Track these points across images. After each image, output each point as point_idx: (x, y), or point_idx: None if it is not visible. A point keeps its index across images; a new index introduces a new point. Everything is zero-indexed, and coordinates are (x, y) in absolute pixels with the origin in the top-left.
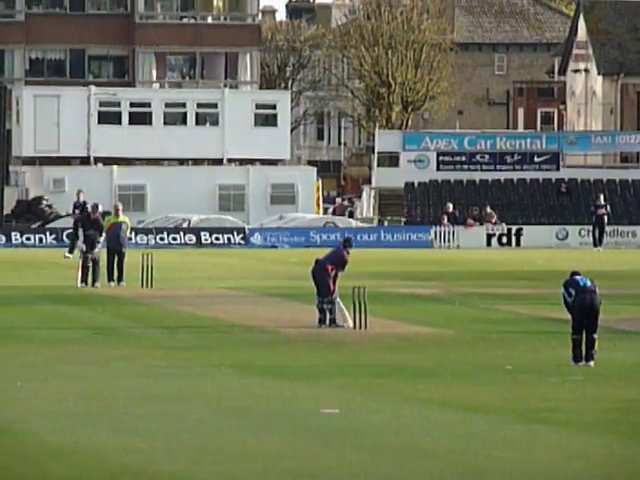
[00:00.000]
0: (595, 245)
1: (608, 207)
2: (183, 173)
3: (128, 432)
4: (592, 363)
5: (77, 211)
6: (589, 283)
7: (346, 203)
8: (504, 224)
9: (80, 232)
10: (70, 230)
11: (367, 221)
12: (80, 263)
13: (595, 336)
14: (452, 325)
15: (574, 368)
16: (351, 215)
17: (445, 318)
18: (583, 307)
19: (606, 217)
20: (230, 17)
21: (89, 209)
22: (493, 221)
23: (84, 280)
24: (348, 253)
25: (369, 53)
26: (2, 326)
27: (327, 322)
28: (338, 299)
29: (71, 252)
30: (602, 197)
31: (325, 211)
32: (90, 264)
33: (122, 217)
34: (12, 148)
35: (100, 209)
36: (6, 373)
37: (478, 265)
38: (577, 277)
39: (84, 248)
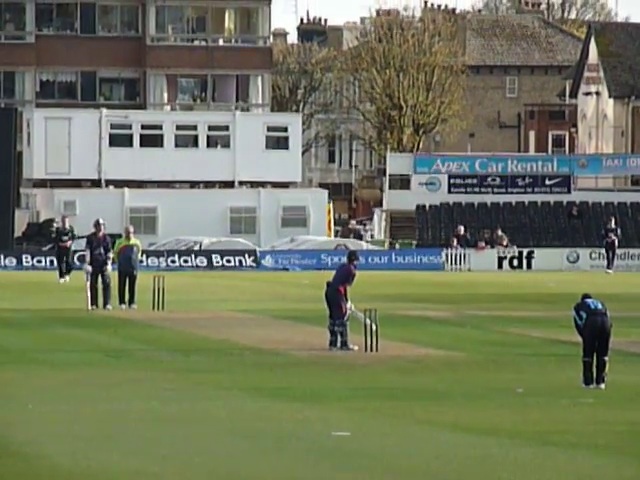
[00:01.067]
0: (609, 267)
1: (619, 231)
2: (194, 196)
3: (140, 455)
4: (603, 385)
5: (65, 238)
6: (600, 306)
7: (352, 225)
8: (515, 247)
9: (87, 253)
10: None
11: (378, 243)
12: (88, 285)
13: (606, 359)
14: (463, 348)
15: (585, 391)
16: (359, 237)
17: (456, 340)
18: (594, 329)
19: (617, 241)
20: (241, 39)
21: (94, 229)
22: (504, 244)
23: (94, 302)
24: (355, 267)
25: (380, 76)
26: (13, 349)
27: (339, 344)
28: (354, 308)
29: (62, 277)
30: (613, 221)
31: (336, 234)
32: (99, 285)
33: (133, 240)
34: (23, 170)
35: (102, 222)
36: (18, 396)
37: (489, 288)
38: (588, 300)
39: (89, 269)
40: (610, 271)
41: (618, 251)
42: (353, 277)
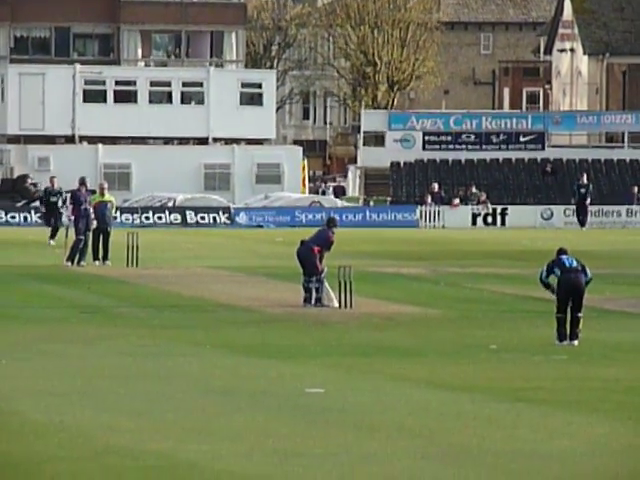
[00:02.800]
0: (581, 225)
1: (591, 187)
2: (168, 152)
3: (114, 411)
4: (576, 342)
5: (54, 199)
6: (575, 263)
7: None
8: (489, 204)
9: (68, 209)
10: (43, 213)
11: (352, 200)
12: (73, 243)
13: (580, 315)
14: (437, 304)
15: (558, 347)
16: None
17: (430, 297)
18: (568, 286)
19: (589, 197)
20: None
21: (79, 186)
22: (483, 199)
23: (71, 259)
24: (333, 233)
25: (355, 32)
26: None
27: (313, 301)
28: (324, 280)
29: (52, 238)
30: (585, 177)
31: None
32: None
33: (107, 196)
34: None
35: (87, 182)
36: None
37: (463, 245)
38: (563, 257)
39: (69, 224)
40: (583, 229)
41: (592, 208)
42: (331, 244)
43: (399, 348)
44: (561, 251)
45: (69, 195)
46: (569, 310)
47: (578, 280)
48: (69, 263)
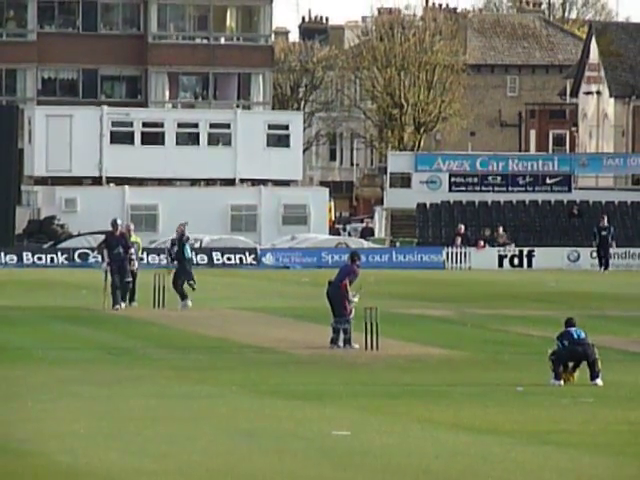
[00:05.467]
0: (600, 267)
1: (612, 229)
2: (195, 193)
3: (139, 453)
4: (599, 380)
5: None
6: (583, 335)
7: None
8: (513, 245)
9: (105, 253)
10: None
11: (379, 242)
12: (108, 286)
13: (597, 357)
14: (463, 346)
15: (584, 389)
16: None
17: (457, 339)
18: (574, 356)
19: (610, 239)
20: (243, 38)
21: (112, 228)
22: (501, 241)
23: (117, 302)
24: (358, 267)
25: (382, 74)
26: (14, 346)
27: (340, 342)
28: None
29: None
30: (606, 219)
31: (337, 232)
32: (119, 284)
33: (134, 237)
34: (24, 168)
35: (120, 222)
36: (18, 393)
37: (490, 286)
38: (571, 329)
39: (107, 269)
40: (606, 271)
41: (619, 250)
42: (356, 276)
43: (425, 390)
44: (569, 322)
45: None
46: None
47: (586, 351)
48: (118, 307)
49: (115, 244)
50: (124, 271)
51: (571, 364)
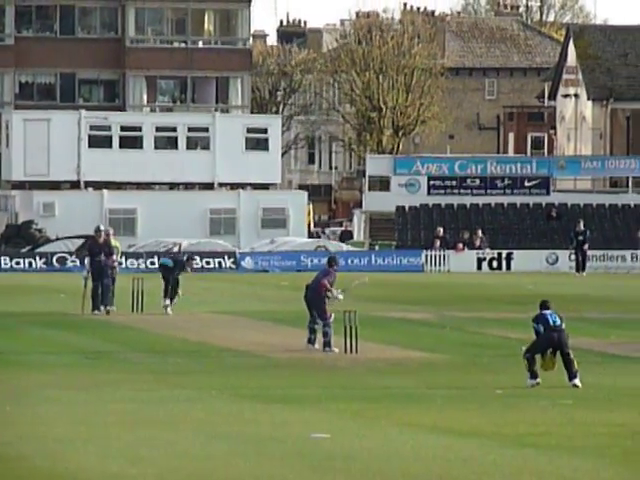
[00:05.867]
0: (577, 270)
1: (588, 233)
2: (174, 197)
3: (118, 457)
4: (577, 381)
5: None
6: (558, 321)
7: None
8: (488, 248)
9: (87, 260)
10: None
11: (358, 245)
12: (89, 292)
13: (572, 357)
14: (443, 349)
15: (563, 391)
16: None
17: (436, 342)
18: (550, 343)
19: (587, 242)
20: (221, 41)
21: (95, 234)
22: (477, 244)
23: (97, 307)
24: (336, 270)
25: (360, 77)
26: None
27: (317, 345)
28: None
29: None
30: (582, 223)
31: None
32: (101, 289)
33: (114, 241)
34: (1, 172)
35: (102, 229)
36: None
37: (468, 289)
38: (546, 312)
39: (88, 276)
40: (583, 274)
41: (597, 252)
42: (333, 278)
43: (405, 393)
44: (544, 304)
45: (86, 245)
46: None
47: (561, 339)
48: (97, 311)
49: (97, 251)
50: (106, 276)
51: (550, 350)
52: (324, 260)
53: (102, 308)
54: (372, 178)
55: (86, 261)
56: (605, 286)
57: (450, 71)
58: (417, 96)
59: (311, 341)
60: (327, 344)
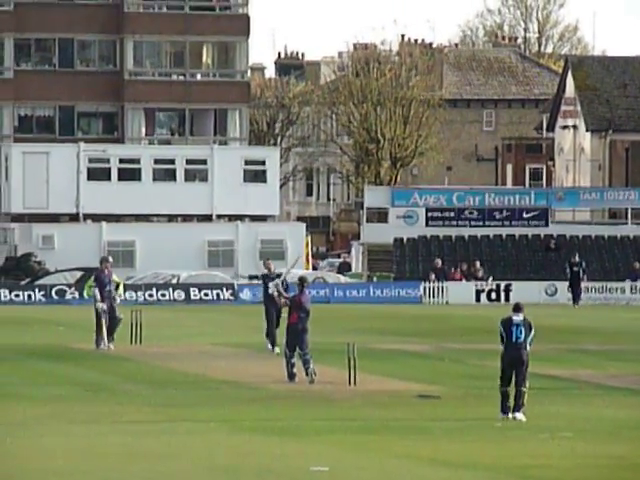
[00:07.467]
0: (574, 302)
1: (583, 264)
2: (172, 229)
3: None
4: (519, 415)
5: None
6: (522, 337)
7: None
8: (490, 279)
9: (97, 291)
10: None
11: (356, 277)
12: (102, 323)
13: (524, 389)
14: (441, 381)
15: (563, 423)
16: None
17: (434, 374)
18: (511, 360)
19: (581, 274)
20: (219, 74)
21: (101, 266)
22: (479, 275)
23: (112, 339)
24: (302, 292)
25: (358, 109)
26: None
27: (304, 374)
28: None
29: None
30: (577, 255)
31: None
32: (108, 322)
33: (114, 277)
34: (1, 205)
35: (110, 260)
36: None
37: (467, 321)
38: (516, 319)
39: (104, 307)
40: (576, 306)
41: (596, 284)
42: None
43: (403, 425)
44: (517, 307)
45: (94, 277)
46: (514, 384)
47: (521, 356)
48: (111, 345)
49: (107, 282)
50: (113, 309)
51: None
52: (322, 292)
53: (106, 342)
54: (370, 210)
55: (96, 292)
56: (604, 318)
57: (448, 102)
58: (415, 128)
59: (292, 376)
60: (311, 371)
